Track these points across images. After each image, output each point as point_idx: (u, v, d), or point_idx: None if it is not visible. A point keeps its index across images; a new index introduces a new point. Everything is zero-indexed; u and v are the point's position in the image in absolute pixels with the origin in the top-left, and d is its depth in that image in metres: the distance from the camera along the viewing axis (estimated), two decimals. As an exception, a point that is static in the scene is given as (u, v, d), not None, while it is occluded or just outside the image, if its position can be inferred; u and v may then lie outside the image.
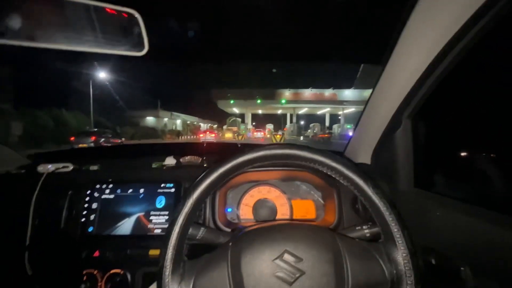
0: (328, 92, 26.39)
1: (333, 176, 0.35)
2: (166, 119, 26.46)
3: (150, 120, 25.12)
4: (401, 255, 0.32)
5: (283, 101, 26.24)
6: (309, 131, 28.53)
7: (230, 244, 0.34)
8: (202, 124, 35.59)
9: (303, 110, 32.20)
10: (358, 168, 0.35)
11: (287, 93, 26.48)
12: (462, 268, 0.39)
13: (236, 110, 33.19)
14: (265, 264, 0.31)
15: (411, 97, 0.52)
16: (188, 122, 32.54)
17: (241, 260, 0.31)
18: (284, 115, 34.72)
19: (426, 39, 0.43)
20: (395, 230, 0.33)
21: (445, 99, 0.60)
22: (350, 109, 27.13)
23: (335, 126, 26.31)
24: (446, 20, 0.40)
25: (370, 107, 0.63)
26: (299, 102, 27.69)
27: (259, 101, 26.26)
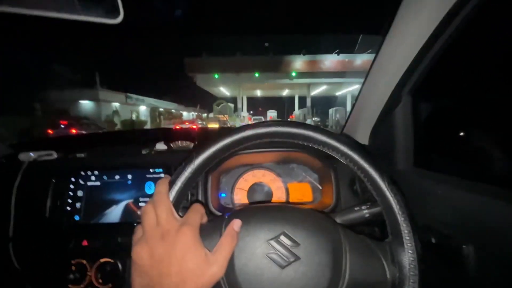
0: (361, 59, 21.61)
1: (348, 165, 0.42)
2: (116, 105, 22.77)
3: (86, 105, 21.22)
4: (408, 258, 0.38)
5: (294, 73, 22.41)
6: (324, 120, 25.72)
7: (226, 217, 0.42)
8: (185, 113, 34.26)
9: (321, 89, 28.84)
10: (375, 160, 0.44)
11: (299, 62, 22.39)
12: (464, 246, 0.48)
13: (224, 91, 30.27)
14: (259, 243, 0.38)
15: (412, 72, 0.63)
16: (161, 109, 30.77)
17: None
18: (291, 99, 32.29)
19: (427, 8, 0.53)
20: (406, 231, 0.39)
21: (447, 74, 0.79)
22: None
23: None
24: None
25: (369, 82, 0.78)
26: (317, 75, 23.12)
27: (257, 74, 22.67)
